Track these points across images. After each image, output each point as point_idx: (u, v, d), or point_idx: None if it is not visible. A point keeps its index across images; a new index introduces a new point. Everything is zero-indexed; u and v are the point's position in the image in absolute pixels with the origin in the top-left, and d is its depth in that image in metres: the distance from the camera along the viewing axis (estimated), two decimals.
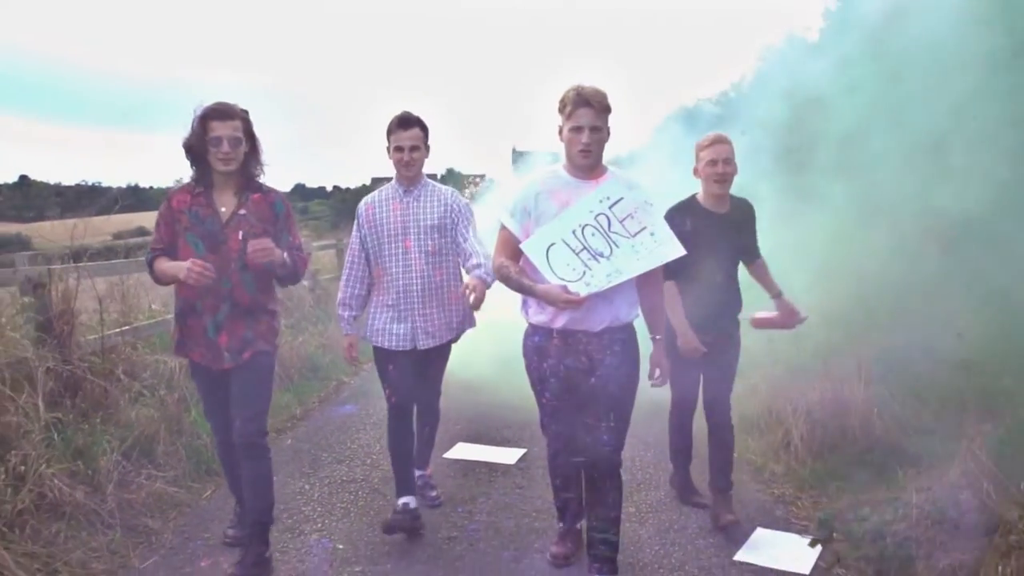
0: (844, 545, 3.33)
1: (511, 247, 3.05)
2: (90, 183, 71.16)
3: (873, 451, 4.19)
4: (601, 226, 2.92)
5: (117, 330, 4.67)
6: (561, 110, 2.98)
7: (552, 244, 2.91)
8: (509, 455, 4.82)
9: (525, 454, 4.85)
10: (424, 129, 3.67)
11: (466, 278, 3.59)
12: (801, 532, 3.61)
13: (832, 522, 3.39)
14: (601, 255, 2.91)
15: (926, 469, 3.57)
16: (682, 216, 3.55)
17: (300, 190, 77.95)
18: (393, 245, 3.67)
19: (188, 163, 3.24)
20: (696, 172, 3.68)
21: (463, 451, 4.96)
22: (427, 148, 3.70)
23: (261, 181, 3.31)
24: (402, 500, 3.67)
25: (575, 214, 2.93)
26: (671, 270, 3.27)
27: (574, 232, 2.91)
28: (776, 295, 3.88)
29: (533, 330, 3.15)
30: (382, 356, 3.75)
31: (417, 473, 3.97)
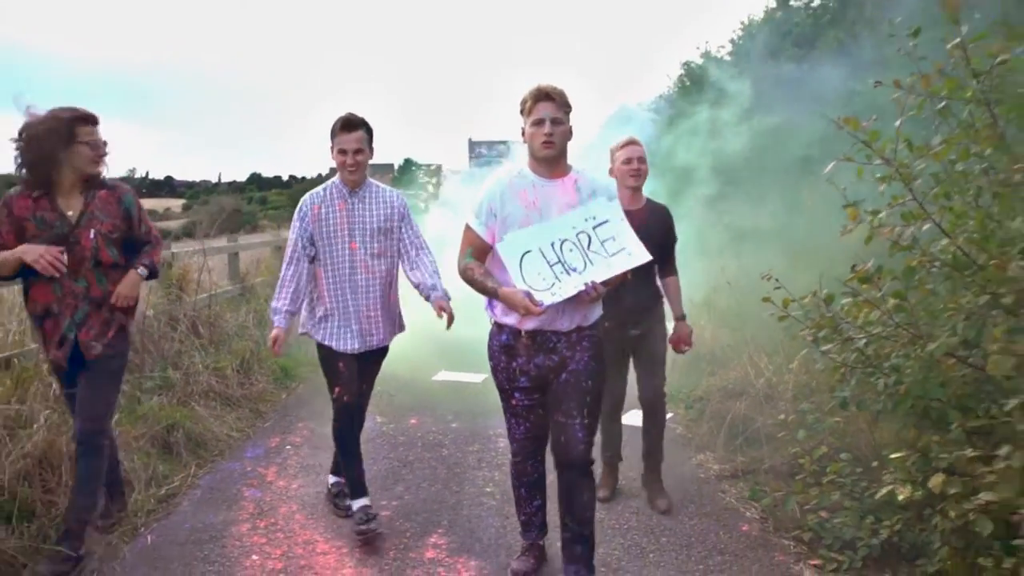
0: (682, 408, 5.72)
1: (477, 248, 3.01)
2: None
3: (714, 365, 6.55)
4: (580, 243, 2.89)
5: (212, 292, 6.81)
6: (522, 110, 2.97)
7: (528, 251, 2.87)
8: (477, 377, 6.97)
9: (487, 378, 7.04)
10: (369, 131, 3.63)
11: (426, 298, 3.69)
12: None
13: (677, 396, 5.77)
14: (574, 270, 2.86)
15: (721, 367, 5.96)
16: None
17: (256, 179, 77.97)
18: (339, 246, 3.64)
19: (21, 165, 3.07)
20: (612, 172, 3.85)
21: (445, 375, 7.17)
22: (371, 150, 3.66)
23: (104, 178, 3.25)
24: (359, 503, 3.71)
25: (556, 227, 2.90)
26: None
27: (552, 244, 2.88)
28: (678, 317, 4.03)
29: (499, 329, 3.07)
30: (332, 355, 3.71)
31: (332, 480, 4.12)
